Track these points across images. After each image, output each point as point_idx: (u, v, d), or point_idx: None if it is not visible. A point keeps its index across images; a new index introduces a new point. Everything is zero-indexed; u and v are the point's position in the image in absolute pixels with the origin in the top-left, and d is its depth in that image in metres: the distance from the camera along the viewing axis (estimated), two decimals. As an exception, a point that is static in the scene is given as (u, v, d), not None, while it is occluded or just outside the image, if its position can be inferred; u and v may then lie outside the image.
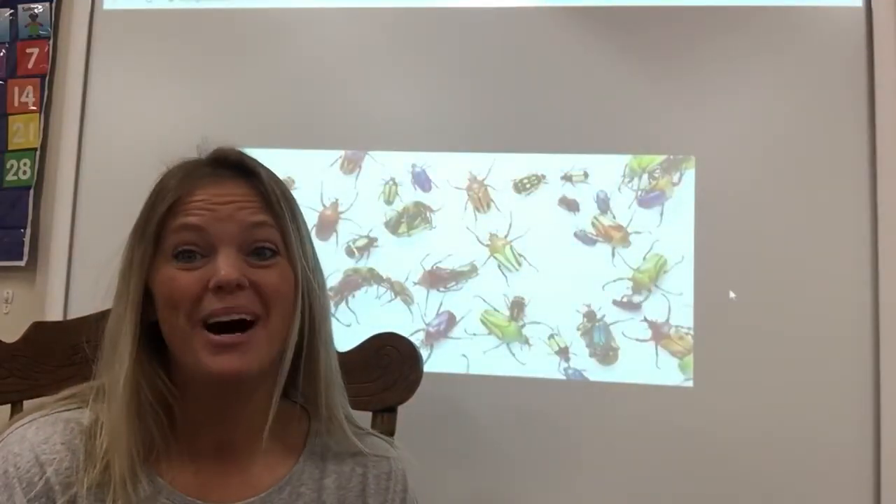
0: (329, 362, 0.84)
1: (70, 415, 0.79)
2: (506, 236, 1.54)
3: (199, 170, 0.81)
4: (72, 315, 1.57)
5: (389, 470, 0.89)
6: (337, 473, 0.86)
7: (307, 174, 1.60)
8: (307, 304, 0.81)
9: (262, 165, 0.83)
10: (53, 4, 1.75)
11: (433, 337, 1.53)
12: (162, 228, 0.78)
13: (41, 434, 0.77)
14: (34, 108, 1.72)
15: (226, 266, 0.75)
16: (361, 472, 0.87)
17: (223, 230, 0.77)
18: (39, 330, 1.20)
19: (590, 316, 1.50)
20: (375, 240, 1.58)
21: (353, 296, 1.56)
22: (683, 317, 1.48)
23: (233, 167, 0.81)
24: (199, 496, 0.80)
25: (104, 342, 0.79)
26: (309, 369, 0.83)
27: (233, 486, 0.81)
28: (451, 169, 1.57)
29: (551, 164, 1.55)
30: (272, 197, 0.80)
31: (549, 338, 1.50)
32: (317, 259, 0.85)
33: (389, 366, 1.18)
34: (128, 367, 0.76)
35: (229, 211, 0.78)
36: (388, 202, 1.58)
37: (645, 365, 1.47)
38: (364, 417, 1.16)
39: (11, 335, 1.20)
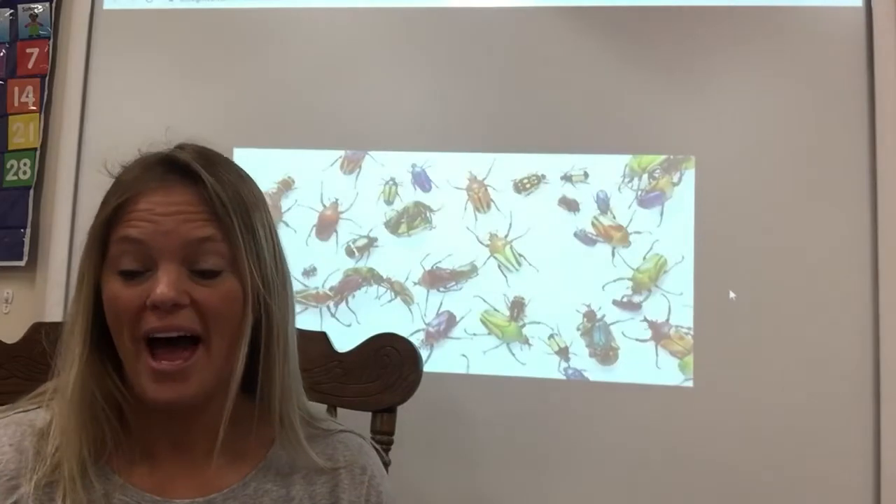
0: (287, 370, 0.81)
1: (24, 416, 0.79)
2: (506, 236, 1.54)
3: (147, 173, 0.76)
4: (72, 315, 1.57)
5: (364, 463, 0.86)
6: (306, 469, 0.83)
7: (307, 174, 1.60)
8: (263, 313, 0.78)
9: (218, 168, 0.77)
10: (53, 4, 1.75)
11: (433, 337, 1.53)
12: (107, 236, 0.75)
13: None
14: (34, 108, 1.72)
15: (163, 284, 0.72)
16: (332, 467, 0.84)
17: (165, 245, 0.73)
18: (39, 330, 1.20)
19: (590, 316, 1.50)
20: (375, 240, 1.57)
21: (353, 296, 1.56)
22: (683, 317, 1.48)
23: (182, 171, 0.76)
24: (156, 493, 0.78)
25: (61, 342, 0.78)
26: (265, 377, 0.80)
27: (192, 483, 0.80)
28: (451, 169, 1.57)
29: (551, 164, 1.55)
30: (219, 207, 0.75)
31: (549, 338, 1.50)
32: (280, 259, 0.81)
33: (389, 366, 1.18)
34: (76, 370, 0.76)
35: (172, 224, 0.74)
36: (388, 202, 1.58)
37: (645, 365, 1.47)
38: (364, 417, 1.17)
39: (11, 335, 1.20)
